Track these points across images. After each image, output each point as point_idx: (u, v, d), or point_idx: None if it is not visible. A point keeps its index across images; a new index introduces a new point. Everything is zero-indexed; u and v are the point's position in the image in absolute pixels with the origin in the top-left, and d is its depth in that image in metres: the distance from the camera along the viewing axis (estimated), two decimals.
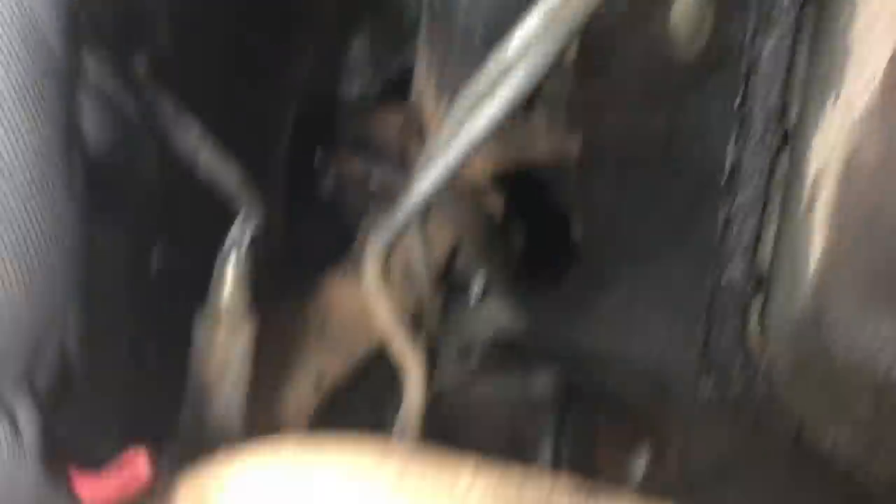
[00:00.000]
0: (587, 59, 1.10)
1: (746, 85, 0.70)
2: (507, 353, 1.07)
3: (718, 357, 0.92)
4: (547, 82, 1.22)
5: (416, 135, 1.11)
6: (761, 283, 0.75)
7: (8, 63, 0.50)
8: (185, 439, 0.69)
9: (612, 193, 1.05)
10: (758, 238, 0.74)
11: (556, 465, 1.03)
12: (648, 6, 1.02)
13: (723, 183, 0.78)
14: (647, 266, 1.03)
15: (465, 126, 0.59)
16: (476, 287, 1.10)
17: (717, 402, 0.94)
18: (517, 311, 1.09)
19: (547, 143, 1.19)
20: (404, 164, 1.10)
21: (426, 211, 0.62)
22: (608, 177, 1.03)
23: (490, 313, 1.11)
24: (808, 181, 0.65)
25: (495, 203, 1.12)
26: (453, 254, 1.13)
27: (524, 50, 0.59)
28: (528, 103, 1.15)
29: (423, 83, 1.13)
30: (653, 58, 1.01)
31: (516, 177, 1.01)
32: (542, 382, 1.05)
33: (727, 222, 0.81)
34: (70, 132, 0.56)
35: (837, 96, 0.61)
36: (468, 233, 1.09)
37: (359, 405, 0.97)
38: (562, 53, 0.61)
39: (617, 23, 1.07)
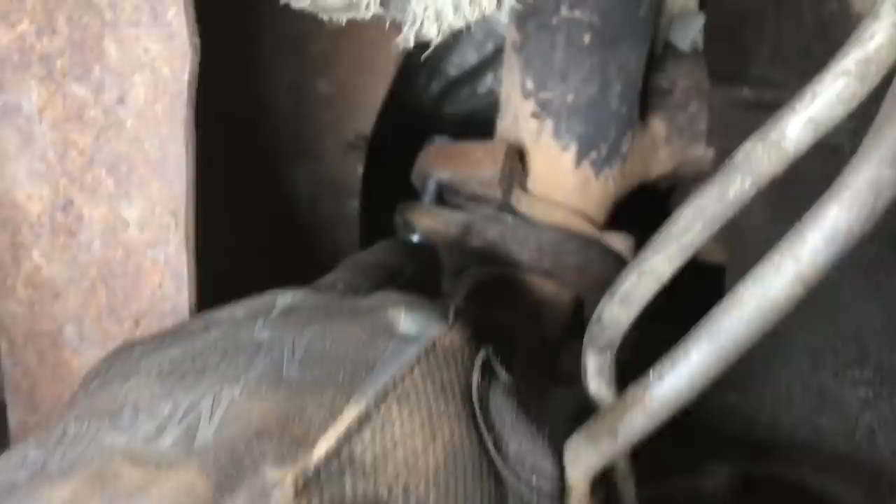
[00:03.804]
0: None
1: None
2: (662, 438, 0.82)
3: None
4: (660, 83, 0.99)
5: (519, 173, 0.84)
6: None
7: None
8: None
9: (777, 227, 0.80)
10: None
11: None
12: None
13: None
14: (837, 320, 0.79)
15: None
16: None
17: None
18: None
19: (668, 150, 0.94)
20: (505, 208, 0.84)
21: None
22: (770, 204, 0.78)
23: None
24: None
25: (625, 244, 0.87)
26: (578, 310, 0.88)
27: None
28: (643, 110, 0.92)
29: (518, 103, 0.86)
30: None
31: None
32: (712, 476, 0.81)
33: None
34: None
35: None
36: (595, 282, 0.84)
37: None
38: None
39: None
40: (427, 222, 0.86)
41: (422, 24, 0.46)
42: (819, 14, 0.78)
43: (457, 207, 0.88)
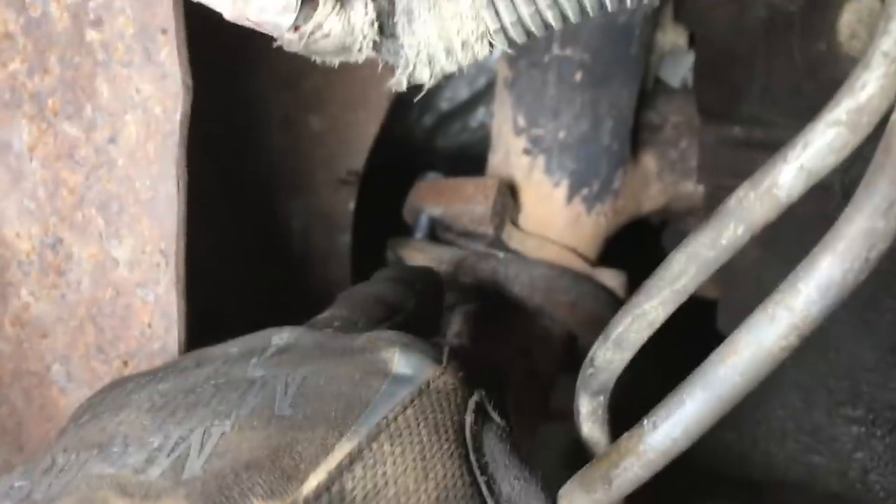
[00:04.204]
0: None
1: None
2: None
3: None
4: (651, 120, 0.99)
5: (510, 209, 0.84)
6: None
7: None
8: None
9: (768, 265, 0.80)
10: None
11: None
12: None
13: None
14: (830, 359, 0.79)
15: None
16: None
17: None
18: None
19: (659, 186, 0.94)
20: (496, 244, 0.84)
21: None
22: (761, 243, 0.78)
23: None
24: None
25: (618, 280, 0.87)
26: (570, 345, 0.87)
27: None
28: (634, 146, 0.93)
29: (510, 139, 0.87)
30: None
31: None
32: None
33: None
34: None
35: None
36: (588, 318, 0.84)
37: None
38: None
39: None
40: (419, 258, 0.86)
41: (414, 67, 0.46)
42: (808, 54, 0.78)
43: (448, 243, 0.88)
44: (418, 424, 0.43)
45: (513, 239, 0.86)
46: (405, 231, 0.92)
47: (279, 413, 0.43)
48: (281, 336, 0.51)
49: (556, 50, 0.85)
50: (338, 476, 0.39)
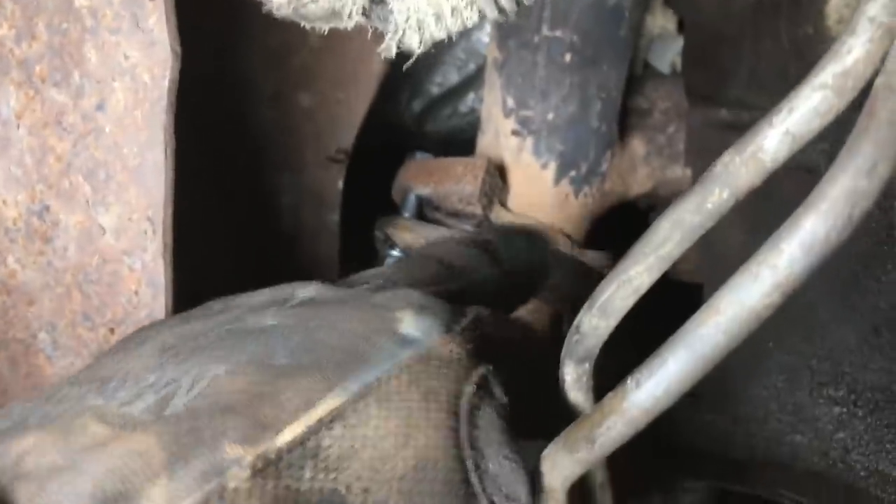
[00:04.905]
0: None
1: None
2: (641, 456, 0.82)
3: None
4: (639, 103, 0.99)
5: (499, 190, 0.85)
6: None
7: None
8: None
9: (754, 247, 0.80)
10: None
11: None
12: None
13: None
14: (813, 340, 0.79)
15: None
16: None
17: None
18: None
19: (647, 170, 0.94)
20: (484, 224, 0.84)
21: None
22: (748, 226, 0.79)
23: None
24: None
25: (604, 262, 0.87)
26: (556, 326, 0.88)
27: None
28: (622, 130, 0.93)
29: (499, 121, 0.87)
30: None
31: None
32: (690, 493, 0.81)
33: None
34: None
35: None
36: (574, 299, 0.84)
37: None
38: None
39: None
40: (407, 237, 0.86)
41: (403, 33, 0.46)
42: (795, 37, 0.78)
43: (437, 223, 0.88)
44: (410, 389, 0.42)
45: (501, 219, 0.86)
46: (394, 212, 0.92)
47: (276, 361, 0.43)
48: (305, 290, 0.51)
49: (545, 31, 0.85)
50: (316, 431, 0.39)
